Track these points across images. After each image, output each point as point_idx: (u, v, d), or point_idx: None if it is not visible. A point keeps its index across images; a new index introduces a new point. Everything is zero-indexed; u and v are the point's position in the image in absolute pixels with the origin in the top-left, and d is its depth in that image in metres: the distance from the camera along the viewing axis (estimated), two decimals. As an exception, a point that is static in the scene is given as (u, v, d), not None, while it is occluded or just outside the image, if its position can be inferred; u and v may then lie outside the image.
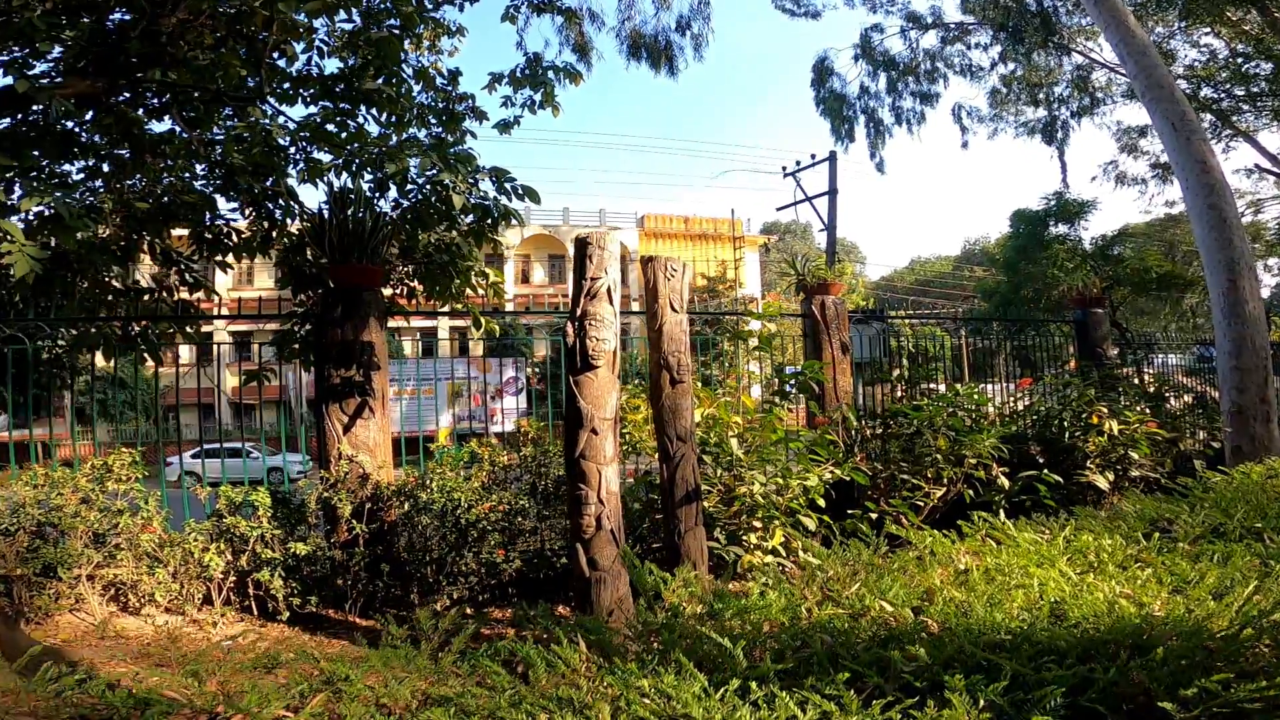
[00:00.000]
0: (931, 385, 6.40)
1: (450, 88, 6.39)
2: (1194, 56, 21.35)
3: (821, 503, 4.23)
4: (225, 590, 4.46)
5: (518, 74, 6.25)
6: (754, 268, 43.78)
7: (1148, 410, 5.82)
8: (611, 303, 3.33)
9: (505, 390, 14.69)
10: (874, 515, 4.56)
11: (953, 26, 22.71)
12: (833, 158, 22.71)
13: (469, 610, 4.52)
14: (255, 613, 4.50)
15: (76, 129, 5.19)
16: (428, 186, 4.79)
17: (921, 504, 4.97)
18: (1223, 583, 1.84)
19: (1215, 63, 20.70)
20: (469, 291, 5.03)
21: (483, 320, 4.83)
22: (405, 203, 5.07)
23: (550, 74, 6.25)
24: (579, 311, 3.26)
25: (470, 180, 4.58)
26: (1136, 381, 10.78)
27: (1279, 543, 2.34)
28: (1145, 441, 5.44)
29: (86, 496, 4.41)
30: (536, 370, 20.99)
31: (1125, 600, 1.75)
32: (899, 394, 6.60)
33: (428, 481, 4.44)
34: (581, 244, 3.41)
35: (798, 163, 23.62)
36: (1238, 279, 7.82)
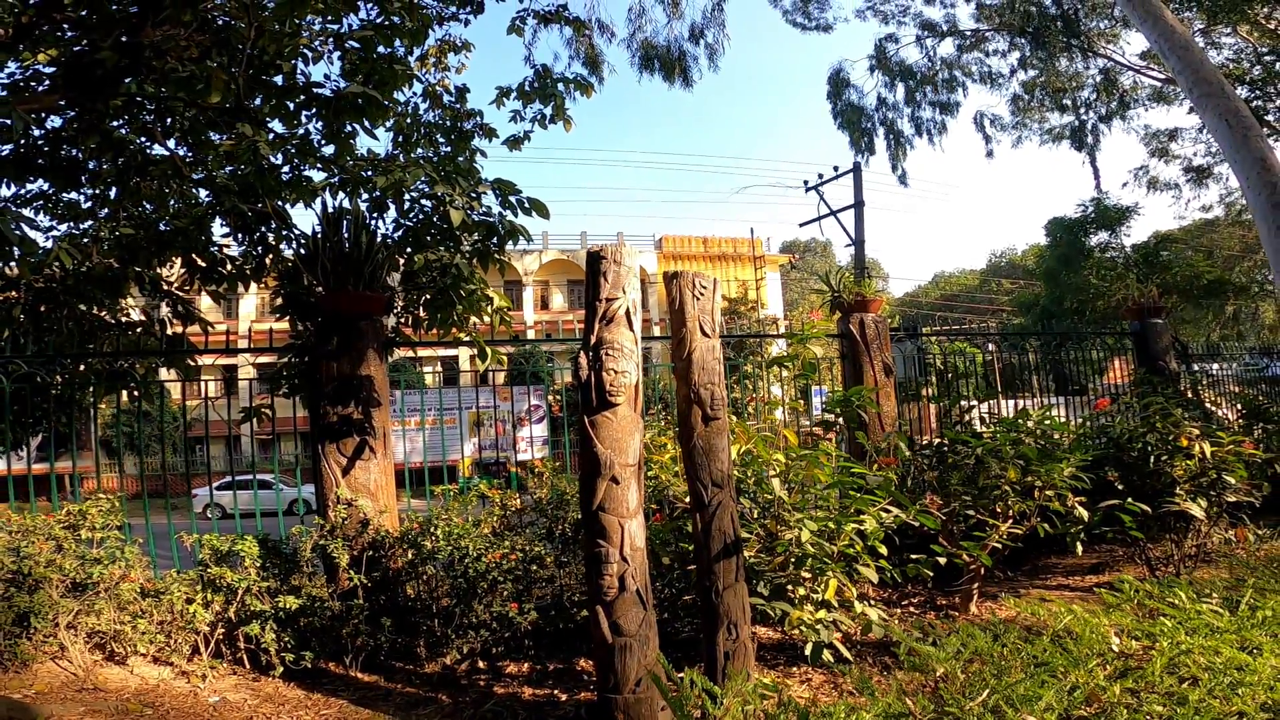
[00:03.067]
0: (971, 404, 5.81)
1: (458, 105, 6.08)
2: (1220, 59, 20.68)
3: (883, 549, 3.68)
4: (214, 642, 4.05)
5: (526, 88, 5.91)
6: (776, 288, 43.19)
7: (1240, 429, 5.18)
8: (631, 327, 2.85)
9: (527, 419, 14.25)
10: (941, 560, 3.99)
11: (969, 34, 22.22)
12: (856, 169, 22.15)
13: (482, 664, 4.06)
14: (247, 665, 4.10)
15: (78, 155, 4.91)
16: (429, 204, 4.40)
17: (989, 542, 4.39)
18: None
19: (1243, 63, 20.04)
20: (474, 320, 4.60)
21: (489, 351, 4.39)
22: (406, 224, 4.68)
23: (560, 86, 5.90)
24: (593, 339, 2.78)
25: (471, 194, 4.18)
26: (1192, 395, 10.02)
27: None
28: (1240, 464, 4.79)
29: (60, 544, 4.04)
30: (558, 397, 20.57)
31: None
32: (950, 417, 6.03)
33: (433, 528, 3.98)
34: (594, 259, 2.94)
35: (820, 176, 23.12)
36: (1319, 282, 7.15)
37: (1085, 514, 4.54)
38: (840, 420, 4.37)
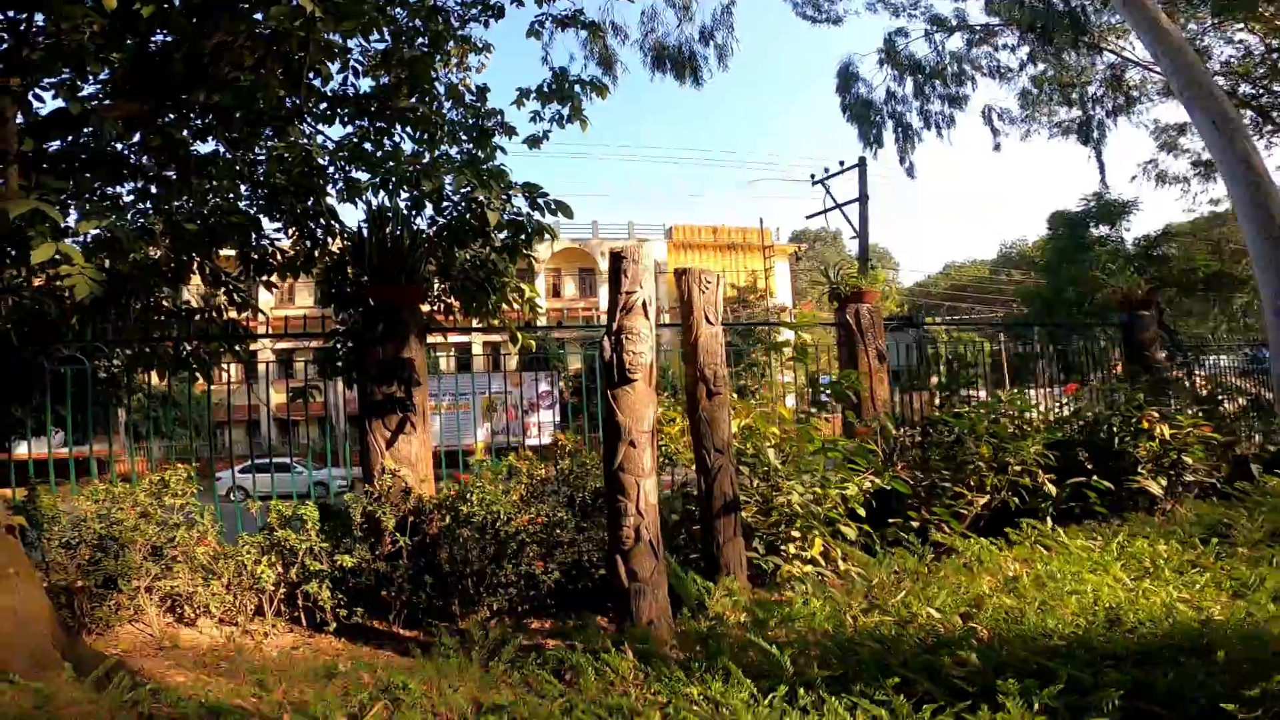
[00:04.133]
0: (971, 392, 6.29)
1: (479, 104, 6.47)
2: (1229, 53, 20.72)
3: (861, 512, 4.19)
4: (276, 602, 4.56)
5: (545, 89, 6.32)
6: (785, 277, 43.51)
7: (1200, 414, 5.64)
8: (647, 316, 3.36)
9: (540, 404, 14.80)
10: (915, 524, 4.50)
11: (978, 28, 22.33)
12: (862, 164, 22.49)
13: (509, 620, 4.56)
14: (304, 624, 4.59)
15: (126, 151, 5.41)
16: (462, 204, 4.89)
17: (964, 512, 4.88)
18: None
19: (1251, 59, 20.07)
20: (505, 307, 5.10)
21: (519, 335, 4.90)
22: (441, 220, 5.17)
23: (576, 88, 6.31)
24: (615, 326, 3.30)
25: (504, 196, 4.66)
26: (1187, 385, 10.45)
27: None
28: (1199, 446, 5.26)
29: (145, 510, 4.55)
30: (570, 384, 21.15)
31: (1183, 605, 1.72)
32: (937, 401, 6.50)
33: (468, 495, 4.50)
34: (616, 258, 3.45)
35: (826, 170, 23.48)
36: (1293, 277, 7.53)
37: (1054, 490, 5.03)
38: (832, 402, 4.87)
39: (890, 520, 4.48)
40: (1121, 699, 1.38)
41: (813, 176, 23.95)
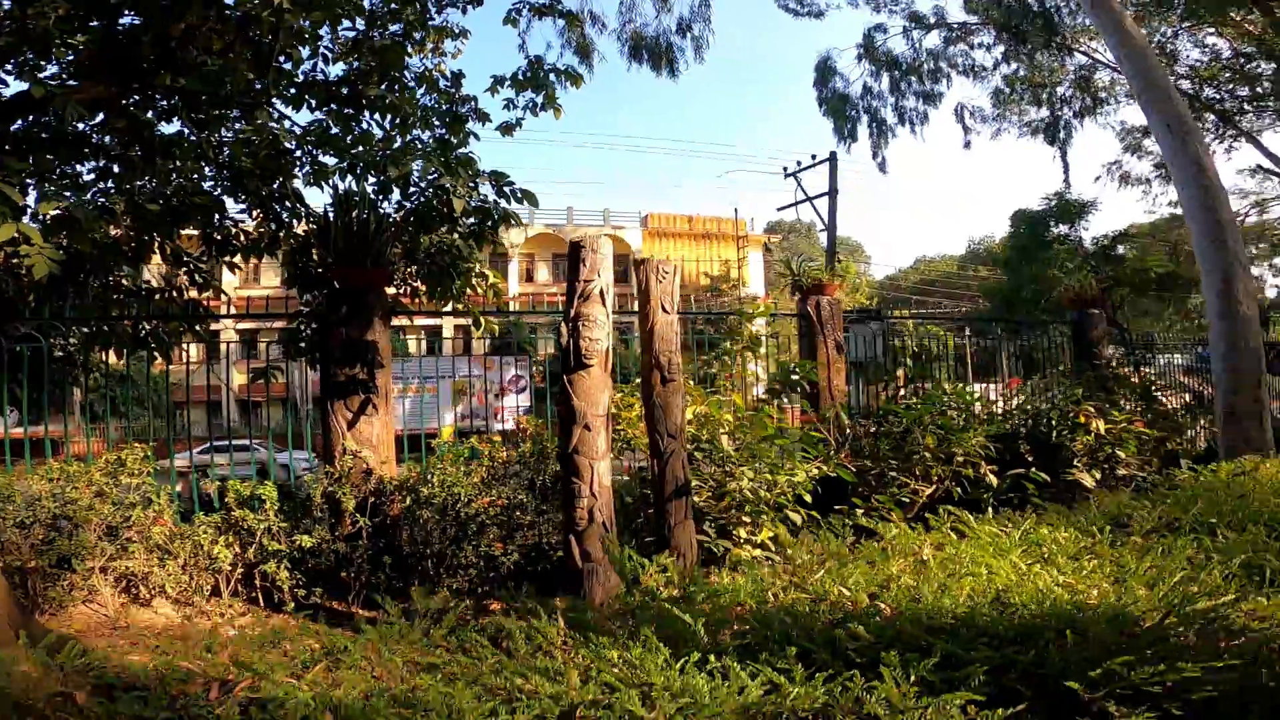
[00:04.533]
0: (926, 385, 6.51)
1: (453, 90, 6.47)
2: (1196, 57, 21.20)
3: (807, 498, 4.35)
4: (233, 582, 4.59)
5: (520, 76, 6.35)
6: (758, 267, 43.85)
7: (1138, 410, 5.92)
8: (604, 304, 3.46)
9: (509, 388, 14.81)
10: (860, 511, 4.69)
11: (955, 26, 22.66)
12: (833, 158, 22.75)
13: (470, 601, 4.66)
14: (261, 604, 4.63)
15: (88, 131, 5.33)
16: (430, 190, 4.93)
17: (909, 500, 5.09)
18: (1160, 573, 1.95)
19: (1218, 63, 20.57)
20: (469, 292, 5.16)
21: (483, 320, 4.97)
22: (408, 205, 5.20)
23: (552, 76, 6.35)
24: (572, 312, 3.39)
25: (471, 184, 4.72)
26: (1135, 381, 10.85)
27: (1228, 537, 2.45)
28: (1133, 441, 5.53)
29: (101, 490, 4.53)
30: (540, 368, 21.18)
31: (1060, 589, 1.87)
32: (896, 393, 6.71)
33: (429, 476, 4.58)
34: (575, 248, 3.55)
35: (798, 163, 23.71)
36: (1231, 280, 7.87)
37: (995, 480, 5.25)
38: (789, 390, 5.03)
39: (837, 507, 4.66)
40: (987, 674, 1.49)
41: (785, 169, 24.17)
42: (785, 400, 5.57)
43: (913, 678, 1.41)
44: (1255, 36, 19.35)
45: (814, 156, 23.16)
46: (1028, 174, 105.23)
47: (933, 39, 22.50)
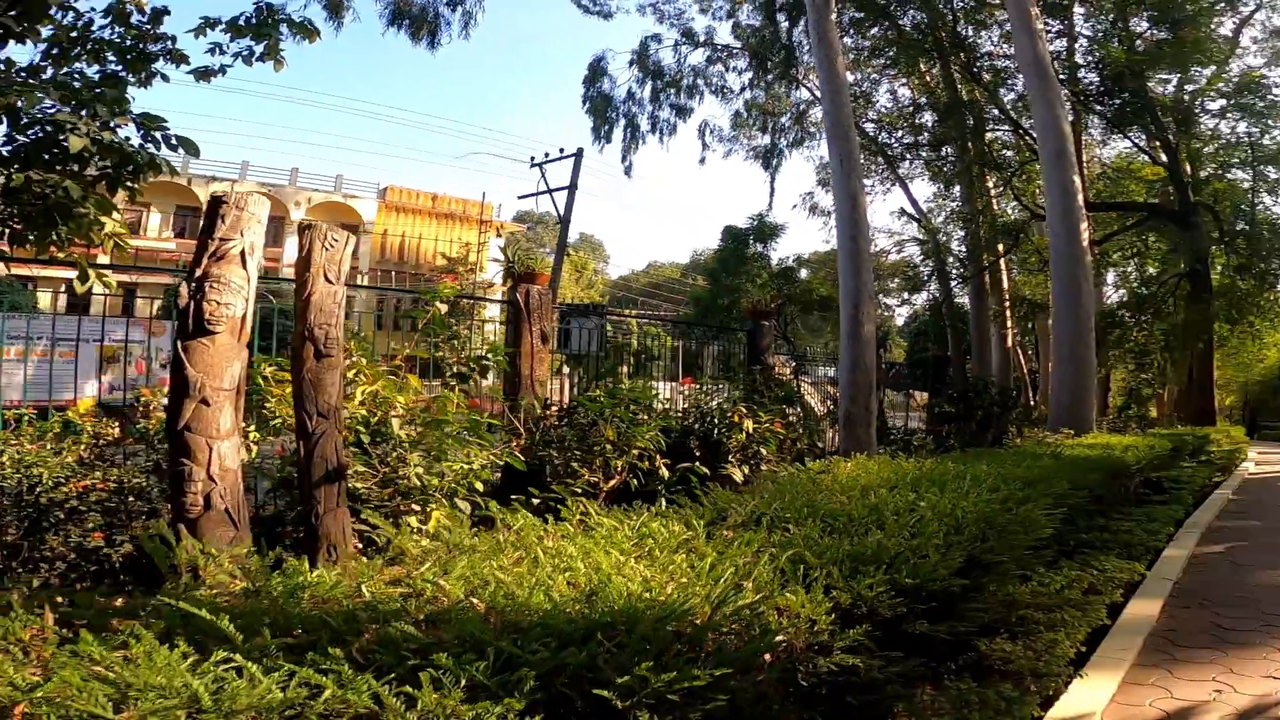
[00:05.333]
0: (619, 380, 6.92)
1: (149, 26, 5.38)
2: (885, 104, 25.28)
3: (480, 486, 4.33)
4: None
5: (242, 22, 5.47)
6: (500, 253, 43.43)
7: (779, 412, 6.96)
8: (245, 268, 3.05)
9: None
10: (535, 501, 4.81)
11: (720, 48, 24.70)
12: (579, 155, 23.42)
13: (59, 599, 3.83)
14: None
15: None
16: (49, 125, 3.98)
17: (586, 490, 5.36)
18: (725, 569, 2.11)
19: (897, 111, 24.59)
20: (80, 242, 4.24)
21: (93, 274, 4.09)
22: (22, 139, 4.16)
23: (284, 27, 5.57)
24: (200, 272, 2.93)
25: (106, 123, 3.89)
26: (779, 389, 12.73)
27: (798, 531, 2.78)
28: (774, 440, 6.49)
29: None
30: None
31: (637, 585, 1.97)
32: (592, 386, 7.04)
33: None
34: (215, 202, 3.09)
35: (546, 155, 23.99)
36: (860, 305, 9.69)
37: (667, 473, 5.76)
38: (476, 375, 4.96)
39: (513, 496, 4.72)
40: (542, 678, 1.47)
41: (532, 158, 24.28)
42: (473, 386, 5.50)
43: (462, 681, 1.38)
44: (929, 88, 23.58)
45: (561, 150, 23.61)
46: (753, 194, 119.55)
47: (698, 56, 24.24)
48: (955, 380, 19.02)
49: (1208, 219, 20.46)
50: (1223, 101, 21.22)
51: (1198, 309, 20.19)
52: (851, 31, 22.61)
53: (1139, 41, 20.31)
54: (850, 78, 24.51)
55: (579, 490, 5.15)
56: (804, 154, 26.20)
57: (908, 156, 23.49)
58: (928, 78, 23.16)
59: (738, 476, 6.22)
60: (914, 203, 24.92)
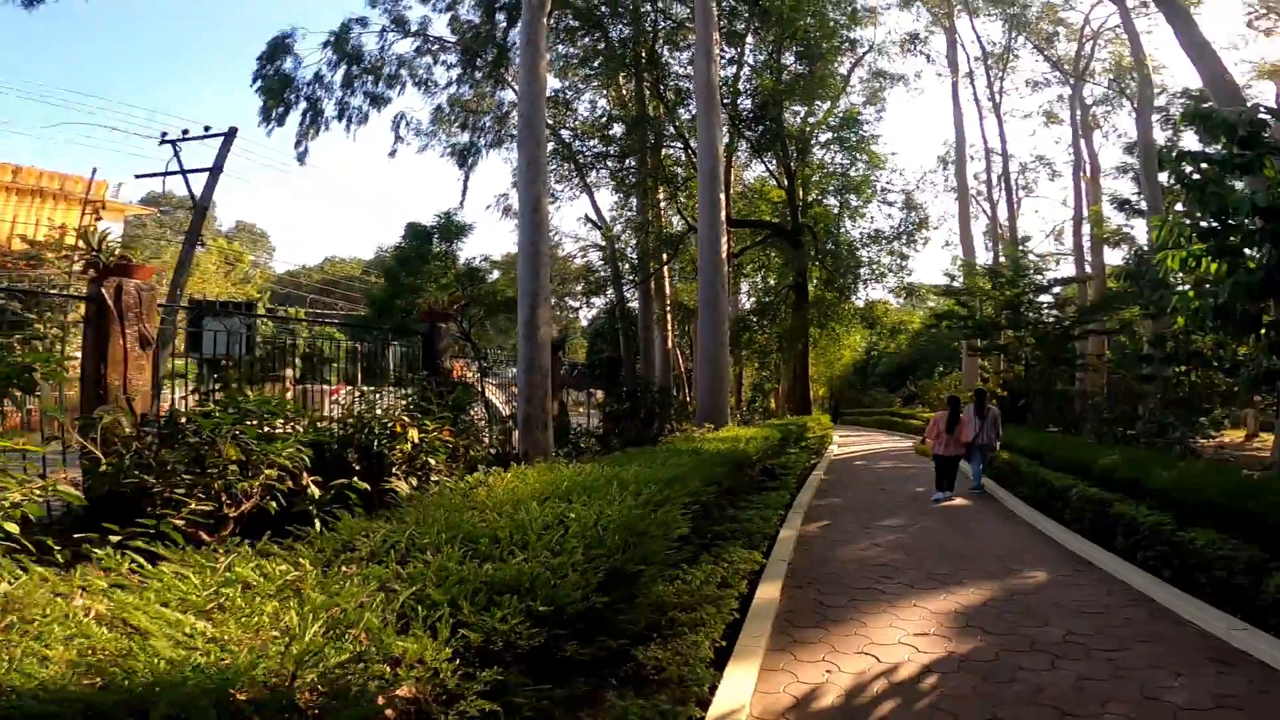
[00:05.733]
0: (244, 387, 5.89)
1: None
2: (584, 112, 26.10)
3: (13, 528, 3.23)
4: None
5: None
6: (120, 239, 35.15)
7: (448, 419, 6.61)
8: None
9: None
10: (117, 539, 3.78)
11: (432, 39, 23.09)
12: (231, 134, 19.87)
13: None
14: None
15: None
16: None
17: (199, 522, 4.40)
18: (331, 613, 1.83)
19: (593, 120, 25.51)
20: None
21: None
22: None
23: None
24: None
25: None
26: (480, 391, 12.46)
27: (435, 559, 2.48)
28: (443, 449, 6.12)
29: None
30: None
31: (214, 644, 1.58)
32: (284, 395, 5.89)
33: None
34: None
35: (184, 132, 19.92)
36: (537, 307, 9.82)
37: (318, 491, 5.02)
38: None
39: (105, 525, 3.65)
40: None
41: (164, 134, 20.01)
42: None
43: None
44: (624, 102, 24.82)
45: (207, 128, 19.79)
46: (449, 192, 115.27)
47: (406, 45, 22.26)
48: (627, 380, 20.61)
49: (808, 239, 25.34)
50: (830, 134, 26.54)
51: (799, 316, 24.96)
52: (564, 39, 23.09)
53: (785, 74, 24.10)
54: (556, 84, 25.32)
55: (182, 523, 4.20)
56: (503, 155, 26.11)
57: (597, 165, 24.60)
58: (624, 91, 24.63)
59: (403, 490, 5.72)
60: (597, 210, 26.47)
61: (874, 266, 26.49)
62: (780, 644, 4.63)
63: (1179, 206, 10.48)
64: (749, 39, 24.31)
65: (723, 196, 15.22)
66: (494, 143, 25.15)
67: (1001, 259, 23.66)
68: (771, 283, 31.72)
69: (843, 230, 27.12)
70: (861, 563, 6.77)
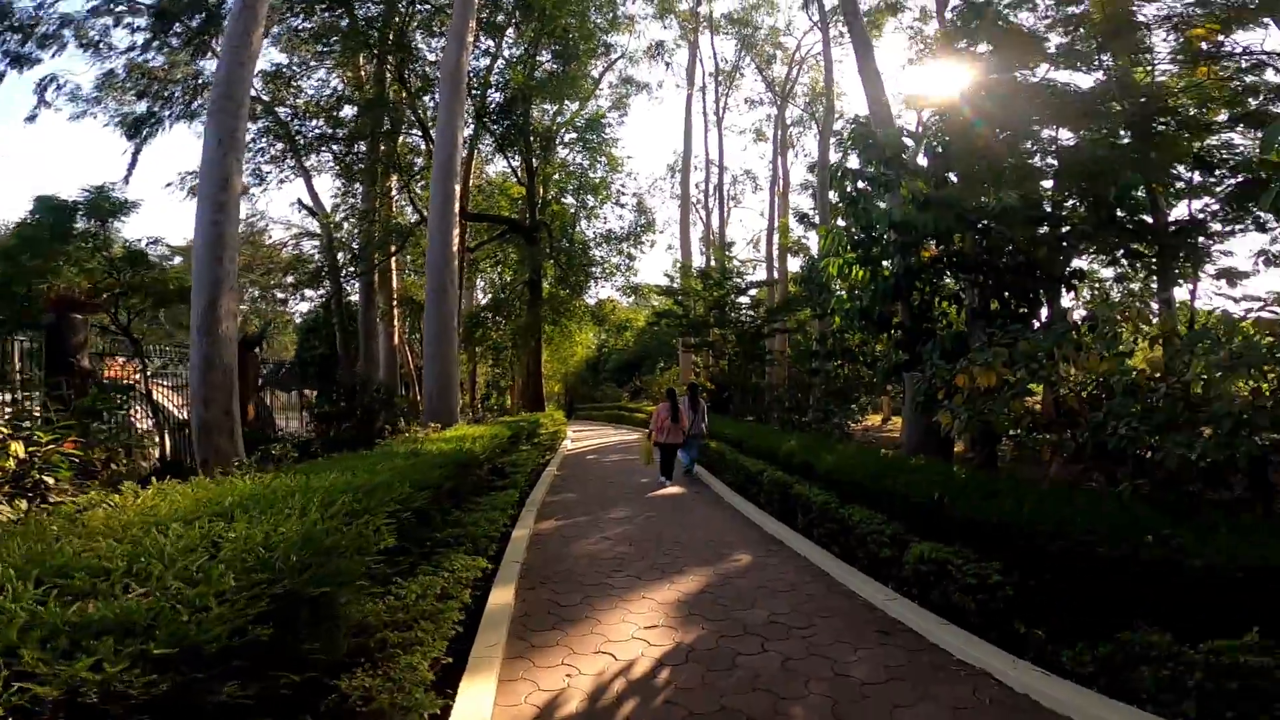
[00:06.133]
0: None
1: None
2: (312, 90, 23.13)
3: None
4: None
5: None
6: None
7: (77, 428, 5.18)
8: None
9: None
10: None
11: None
12: None
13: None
14: None
15: None
16: None
17: None
18: None
19: (320, 100, 22.80)
20: None
21: None
22: None
23: None
24: None
25: None
26: (149, 392, 10.23)
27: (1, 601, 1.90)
28: (67, 465, 4.75)
29: None
30: None
31: None
32: None
33: None
34: None
35: None
36: (220, 297, 8.26)
37: None
38: None
39: None
40: None
41: None
42: None
43: None
44: (360, 83, 22.56)
45: None
46: (115, 169, 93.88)
47: (78, 3, 18.01)
48: (344, 379, 18.69)
49: (545, 236, 25.63)
50: (575, 135, 26.96)
51: (534, 312, 25.17)
52: (301, 13, 20.73)
53: (540, 70, 23.87)
54: (281, 59, 22.52)
55: None
56: (196, 130, 22.57)
57: (319, 148, 22.42)
58: (362, 73, 22.76)
59: (7, 515, 4.31)
60: (314, 195, 23.74)
61: (605, 265, 27.67)
62: (517, 650, 4.46)
63: (840, 221, 12.43)
64: (509, 31, 24.09)
65: (458, 188, 14.54)
66: (184, 114, 21.56)
67: (712, 263, 26.27)
68: (508, 279, 31.53)
69: (578, 229, 27.91)
70: (593, 558, 6.84)
